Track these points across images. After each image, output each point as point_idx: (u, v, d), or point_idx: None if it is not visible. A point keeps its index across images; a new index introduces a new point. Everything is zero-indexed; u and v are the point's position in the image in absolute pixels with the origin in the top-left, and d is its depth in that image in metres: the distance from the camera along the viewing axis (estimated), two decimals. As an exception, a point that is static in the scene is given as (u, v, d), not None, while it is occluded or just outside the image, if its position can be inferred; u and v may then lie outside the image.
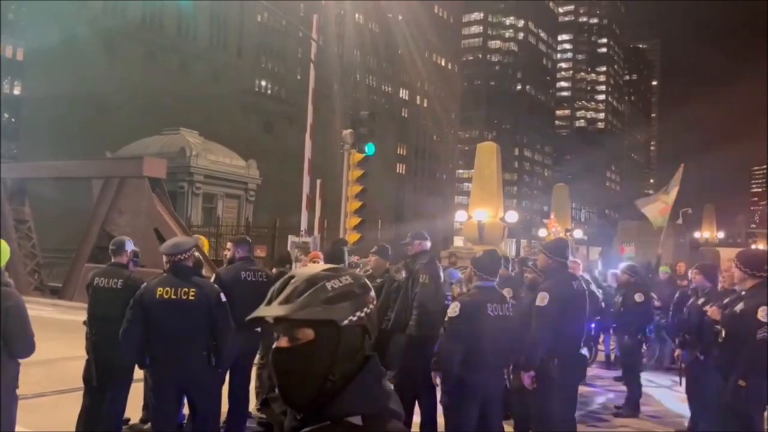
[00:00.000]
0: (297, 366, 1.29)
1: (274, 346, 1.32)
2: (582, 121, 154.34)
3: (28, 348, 3.88)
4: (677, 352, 6.46)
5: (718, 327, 4.58)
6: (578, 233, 43.44)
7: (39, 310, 13.86)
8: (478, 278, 4.58)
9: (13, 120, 43.51)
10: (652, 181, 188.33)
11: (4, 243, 3.90)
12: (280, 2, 44.28)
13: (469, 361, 4.34)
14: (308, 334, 1.29)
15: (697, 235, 38.22)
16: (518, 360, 4.92)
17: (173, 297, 4.37)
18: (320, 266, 1.41)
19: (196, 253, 7.51)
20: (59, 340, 8.89)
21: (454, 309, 4.43)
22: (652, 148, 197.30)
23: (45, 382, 7.25)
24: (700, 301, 5.85)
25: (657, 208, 15.17)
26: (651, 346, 10.07)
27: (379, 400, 1.32)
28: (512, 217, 22.78)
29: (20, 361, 3.99)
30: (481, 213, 19.38)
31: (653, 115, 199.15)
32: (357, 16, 70.12)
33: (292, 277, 1.34)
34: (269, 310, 1.30)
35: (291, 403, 1.31)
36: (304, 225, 15.07)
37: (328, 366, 1.29)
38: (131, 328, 4.39)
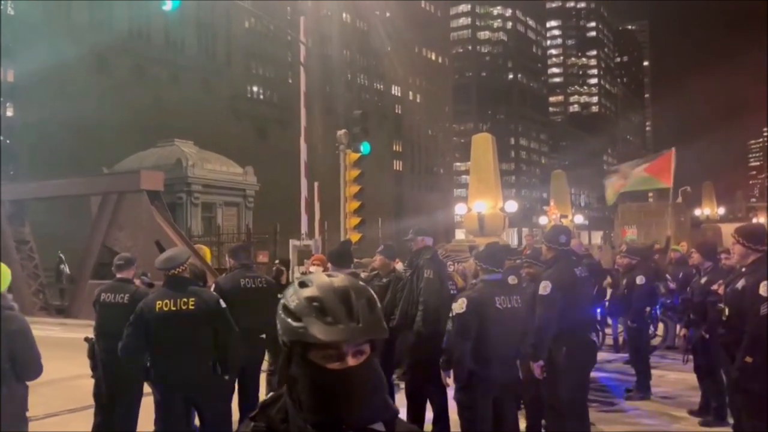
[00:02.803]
0: (367, 380, 1.28)
1: (346, 366, 1.27)
2: (576, 106, 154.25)
3: (36, 370, 3.88)
4: (683, 331, 6.46)
5: (721, 305, 4.57)
6: (579, 218, 43.41)
7: (46, 330, 13.86)
8: (484, 271, 4.55)
9: (8, 141, 43.50)
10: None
11: (4, 267, 3.91)
12: (267, 6, 44.18)
13: (480, 355, 4.32)
14: (368, 348, 1.30)
15: (697, 212, 38.11)
16: (527, 350, 4.93)
17: (173, 308, 4.38)
18: (342, 276, 1.37)
19: (199, 264, 7.53)
20: (68, 359, 8.88)
21: (461, 305, 4.39)
22: (647, 128, 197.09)
23: (55, 401, 7.25)
24: (703, 279, 5.84)
25: (615, 183, 14.88)
26: (667, 326, 10.05)
27: (390, 403, 1.33)
28: (512, 206, 22.82)
29: (32, 381, 4.00)
30: (481, 205, 19.40)
31: (647, 95, 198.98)
32: (344, 15, 70.08)
33: (348, 290, 1.30)
34: (366, 330, 1.27)
35: (358, 419, 1.26)
36: (304, 228, 15.07)
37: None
38: (129, 342, 4.40)
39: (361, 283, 1.38)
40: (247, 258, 6.15)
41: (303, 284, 1.34)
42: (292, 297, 1.31)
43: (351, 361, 1.27)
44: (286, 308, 1.30)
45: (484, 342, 4.30)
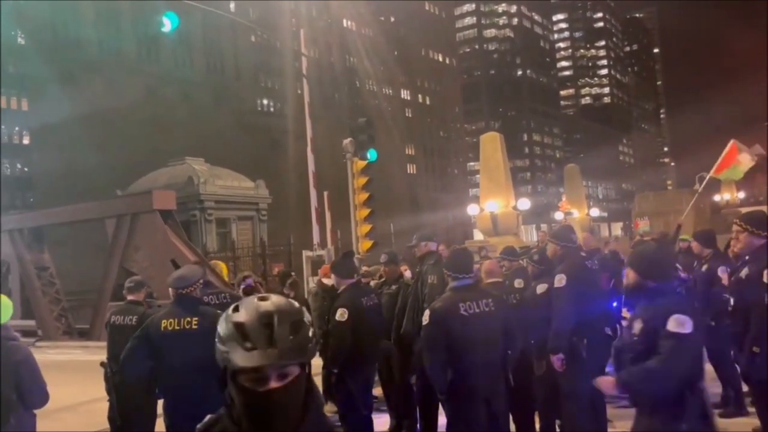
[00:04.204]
0: (290, 401, 1.37)
1: (264, 389, 1.35)
2: (587, 98, 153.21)
3: (42, 399, 3.93)
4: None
5: (726, 295, 4.50)
6: (595, 212, 42.87)
7: (69, 354, 14.06)
8: (451, 279, 4.45)
9: (25, 169, 44.32)
10: (666, 149, 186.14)
11: (5, 299, 3.96)
12: (271, 19, 44.36)
13: (457, 364, 4.21)
14: (296, 370, 1.38)
15: (716, 198, 37.41)
16: (543, 345, 4.87)
17: (177, 328, 4.38)
18: (282, 298, 1.45)
19: (211, 280, 7.56)
20: (86, 383, 8.96)
21: (425, 316, 4.32)
22: (662, 115, 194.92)
23: (74, 426, 7.33)
24: (704, 267, 5.76)
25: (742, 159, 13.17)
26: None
27: (325, 420, 1.44)
28: (524, 204, 22.69)
29: (52, 407, 4.05)
30: (493, 204, 19.32)
31: (659, 82, 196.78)
32: (349, 23, 70.33)
33: (272, 314, 1.36)
34: (281, 355, 1.33)
35: None
36: (316, 239, 15.10)
37: (305, 395, 1.41)
38: (128, 355, 4.42)
39: (295, 304, 1.43)
40: (204, 274, 6.22)
41: (235, 308, 1.41)
42: (222, 322, 1.39)
43: (274, 384, 1.34)
44: (218, 333, 1.39)
45: (457, 351, 4.18)
